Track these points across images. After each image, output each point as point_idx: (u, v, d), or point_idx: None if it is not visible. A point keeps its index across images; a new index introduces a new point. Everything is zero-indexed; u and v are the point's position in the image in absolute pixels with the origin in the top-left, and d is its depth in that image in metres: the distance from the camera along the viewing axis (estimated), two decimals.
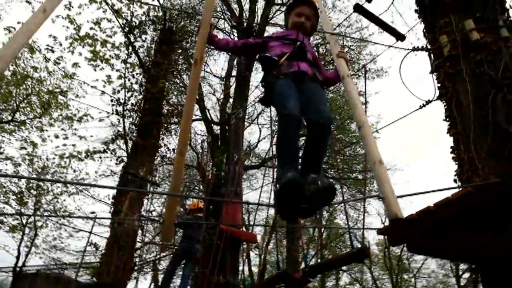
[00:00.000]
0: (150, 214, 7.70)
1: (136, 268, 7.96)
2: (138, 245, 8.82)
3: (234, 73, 15.25)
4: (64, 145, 10.02)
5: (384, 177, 1.86)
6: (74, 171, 11.37)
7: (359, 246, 3.45)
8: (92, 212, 11.55)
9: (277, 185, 1.85)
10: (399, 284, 22.03)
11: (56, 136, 9.96)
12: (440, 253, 2.85)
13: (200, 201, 7.38)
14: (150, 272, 14.20)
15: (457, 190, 2.59)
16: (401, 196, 1.93)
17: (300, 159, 2.00)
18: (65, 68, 9.92)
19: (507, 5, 3.34)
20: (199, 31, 2.71)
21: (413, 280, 23.08)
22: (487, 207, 2.22)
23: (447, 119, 3.28)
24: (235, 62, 15.45)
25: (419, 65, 4.58)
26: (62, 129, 10.08)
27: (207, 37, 2.67)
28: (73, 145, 10.01)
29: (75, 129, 10.42)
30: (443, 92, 3.33)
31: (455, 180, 3.12)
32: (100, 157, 9.34)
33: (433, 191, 2.19)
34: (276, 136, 1.99)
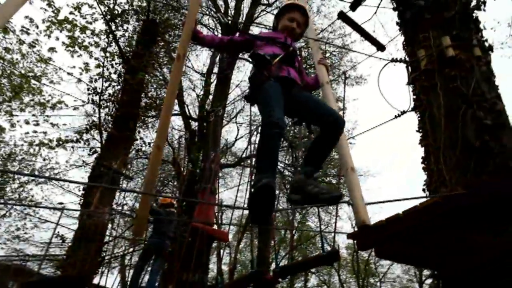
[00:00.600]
0: (121, 208, 7.54)
1: (103, 262, 7.79)
2: (107, 239, 8.63)
3: (215, 70, 15.18)
4: (35, 132, 9.65)
5: (355, 184, 1.93)
6: (44, 159, 10.99)
7: (330, 249, 3.52)
8: (60, 203, 11.20)
9: (252, 189, 1.89)
10: (365, 287, 22.58)
11: (27, 122, 9.58)
12: (406, 259, 2.96)
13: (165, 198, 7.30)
14: (117, 267, 13.92)
15: (425, 199, 2.70)
16: (370, 203, 2.00)
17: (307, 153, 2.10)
18: (40, 52, 9.57)
19: (481, 26, 3.50)
20: (184, 26, 2.69)
21: (378, 284, 23.70)
22: (452, 216, 2.33)
23: (420, 131, 3.40)
24: (217, 59, 15.38)
25: (397, 75, 4.73)
26: (33, 115, 9.71)
27: (191, 33, 2.66)
28: (44, 133, 9.67)
29: (47, 116, 10.07)
30: (418, 104, 3.45)
31: (423, 190, 3.24)
32: (73, 147, 9.08)
33: (401, 199, 2.27)
34: (257, 141, 2.02)
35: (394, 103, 3.97)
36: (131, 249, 13.60)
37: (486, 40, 3.42)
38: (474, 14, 3.52)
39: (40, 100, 9.76)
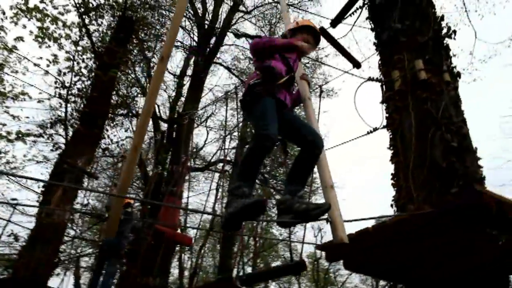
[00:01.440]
0: (85, 207, 7.24)
1: (60, 263, 7.43)
2: (65, 239, 8.25)
3: (189, 72, 15.04)
4: None
5: (334, 202, 1.99)
6: (0, 152, 10.36)
7: (297, 259, 3.57)
8: (14, 199, 10.58)
9: (229, 195, 1.91)
10: None
11: None
12: (374, 272, 3.05)
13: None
14: (73, 269, 13.32)
15: (393, 215, 2.81)
16: (347, 221, 2.06)
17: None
18: (4, 39, 9.06)
19: (451, 53, 3.72)
20: (170, 28, 2.69)
21: None
22: (420, 232, 2.44)
23: (391, 148, 3.54)
24: (191, 62, 15.26)
25: (369, 91, 4.91)
26: None
27: (176, 35, 2.65)
28: (3, 124, 9.13)
29: (7, 106, 9.52)
30: (390, 123, 3.60)
31: (391, 205, 3.37)
32: (35, 141, 8.63)
33: (377, 217, 2.36)
34: (247, 149, 2.04)
35: (366, 118, 4.12)
36: (89, 250, 13.07)
37: (455, 67, 3.64)
38: (444, 42, 3.74)
39: (0, 90, 9.21)
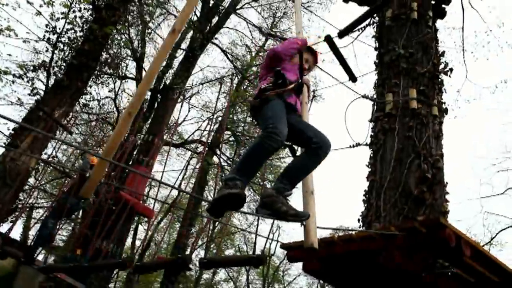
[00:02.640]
0: (52, 159, 7.05)
1: (16, 210, 7.23)
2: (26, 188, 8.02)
3: (183, 46, 14.79)
4: None
5: (311, 207, 2.07)
6: None
7: (259, 253, 3.67)
8: None
9: (225, 184, 1.96)
10: None
11: None
12: (331, 279, 3.19)
13: (95, 158, 6.95)
14: (23, 218, 12.98)
15: (359, 230, 2.94)
16: (321, 228, 2.14)
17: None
18: None
19: (443, 89, 3.89)
20: (186, 2, 2.68)
21: None
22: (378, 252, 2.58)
23: (369, 166, 3.68)
24: (188, 36, 15.01)
25: (359, 107, 5.04)
26: None
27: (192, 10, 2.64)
28: None
29: None
30: (374, 142, 3.73)
31: (358, 220, 3.51)
32: (13, 81, 8.27)
33: (350, 229, 2.45)
34: (252, 145, 2.06)
35: (349, 131, 4.24)
36: (45, 204, 12.75)
37: (444, 103, 3.81)
38: (440, 77, 3.90)
39: None
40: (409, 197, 3.11)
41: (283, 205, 2.02)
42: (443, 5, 4.76)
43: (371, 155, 3.71)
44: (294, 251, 3.22)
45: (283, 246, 3.40)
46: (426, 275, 2.59)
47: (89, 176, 2.40)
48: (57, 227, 6.65)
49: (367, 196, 3.50)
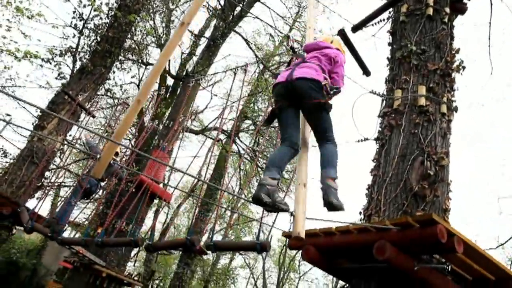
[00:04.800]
0: (75, 141, 7.40)
1: (42, 188, 7.65)
2: (52, 167, 8.46)
3: (207, 34, 14.92)
4: (4, 37, 9.07)
5: (302, 199, 2.17)
6: (5, 67, 10.38)
7: (263, 240, 3.80)
8: (8, 115, 10.68)
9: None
10: (284, 280, 23.76)
11: None
12: (329, 269, 3.28)
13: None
14: (51, 196, 13.65)
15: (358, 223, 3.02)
16: (310, 219, 2.25)
17: None
18: None
19: (455, 86, 3.85)
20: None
21: (297, 280, 25.03)
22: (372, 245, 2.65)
23: (374, 161, 3.72)
24: (212, 24, 15.11)
25: (367, 102, 5.03)
26: (8, 19, 9.10)
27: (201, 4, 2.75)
28: (15, 42, 9.12)
29: (21, 24, 9.47)
30: (380, 137, 3.76)
31: (360, 212, 3.58)
32: (41, 65, 8.66)
33: (342, 222, 2.55)
34: (335, 150, 2.51)
35: (359, 126, 4.28)
36: (70, 182, 13.35)
37: (455, 101, 3.78)
38: (453, 74, 3.86)
39: (18, 6, 9.14)
40: (409, 193, 3.15)
41: (278, 196, 2.16)
42: (465, 0, 4.65)
43: (377, 150, 3.75)
44: (294, 240, 3.34)
45: (285, 234, 3.53)
46: (418, 269, 2.65)
47: (99, 157, 2.58)
48: (78, 206, 7.05)
49: (369, 190, 3.55)
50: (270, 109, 2.71)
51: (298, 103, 2.55)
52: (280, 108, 2.57)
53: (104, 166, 2.60)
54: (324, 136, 2.52)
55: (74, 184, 7.12)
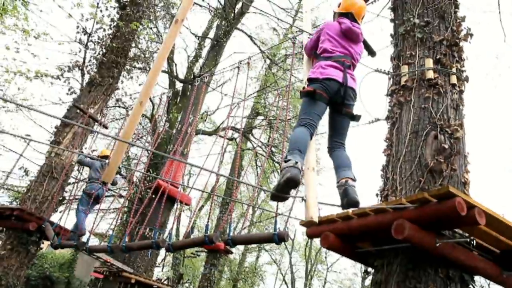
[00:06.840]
0: (91, 152, 7.54)
1: (64, 202, 7.83)
2: (71, 180, 8.65)
3: (211, 34, 14.94)
4: (14, 59, 9.32)
5: (312, 183, 2.14)
6: (18, 88, 10.68)
7: (281, 230, 3.77)
8: (28, 135, 10.99)
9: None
10: (311, 273, 23.69)
11: (7, 48, 9.22)
12: (347, 252, 3.24)
13: (105, 150, 7.56)
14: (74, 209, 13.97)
15: (373, 204, 2.95)
16: (322, 203, 2.21)
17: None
18: None
19: (464, 56, 3.71)
20: None
21: (325, 272, 24.92)
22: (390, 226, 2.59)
23: (386, 140, 3.63)
24: (214, 24, 15.12)
25: (375, 81, 4.92)
26: (15, 41, 9.34)
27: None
28: (24, 62, 9.36)
29: (29, 44, 9.70)
30: (390, 116, 3.67)
31: (377, 194, 3.51)
32: (52, 83, 8.86)
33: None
34: None
35: (369, 107, 4.19)
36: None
37: (465, 71, 3.65)
38: (460, 44, 3.72)
39: (24, 28, 9.36)
40: (425, 170, 3.06)
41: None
42: None
43: (388, 129, 3.66)
44: (311, 228, 3.30)
45: (302, 223, 3.48)
46: (440, 246, 2.57)
47: (108, 162, 2.61)
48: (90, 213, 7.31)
49: (384, 170, 3.47)
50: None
51: (335, 104, 2.77)
52: (320, 97, 2.68)
53: (113, 170, 2.62)
54: (343, 141, 2.81)
55: (79, 193, 7.36)
